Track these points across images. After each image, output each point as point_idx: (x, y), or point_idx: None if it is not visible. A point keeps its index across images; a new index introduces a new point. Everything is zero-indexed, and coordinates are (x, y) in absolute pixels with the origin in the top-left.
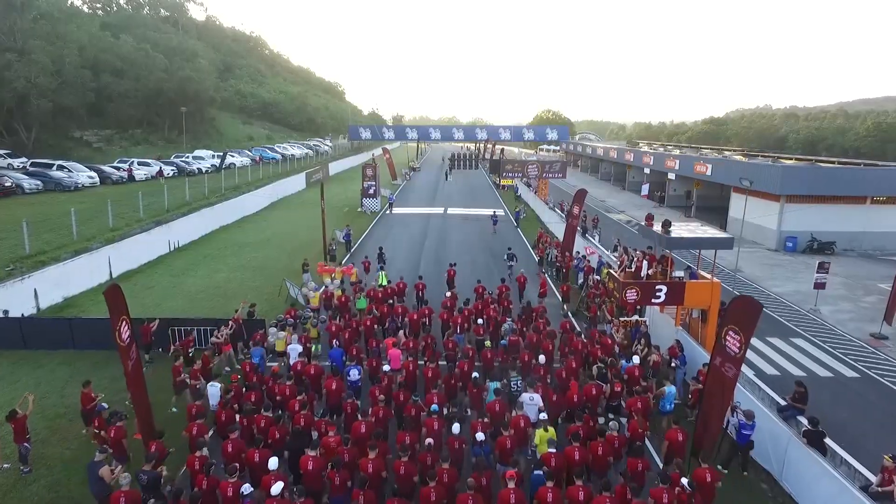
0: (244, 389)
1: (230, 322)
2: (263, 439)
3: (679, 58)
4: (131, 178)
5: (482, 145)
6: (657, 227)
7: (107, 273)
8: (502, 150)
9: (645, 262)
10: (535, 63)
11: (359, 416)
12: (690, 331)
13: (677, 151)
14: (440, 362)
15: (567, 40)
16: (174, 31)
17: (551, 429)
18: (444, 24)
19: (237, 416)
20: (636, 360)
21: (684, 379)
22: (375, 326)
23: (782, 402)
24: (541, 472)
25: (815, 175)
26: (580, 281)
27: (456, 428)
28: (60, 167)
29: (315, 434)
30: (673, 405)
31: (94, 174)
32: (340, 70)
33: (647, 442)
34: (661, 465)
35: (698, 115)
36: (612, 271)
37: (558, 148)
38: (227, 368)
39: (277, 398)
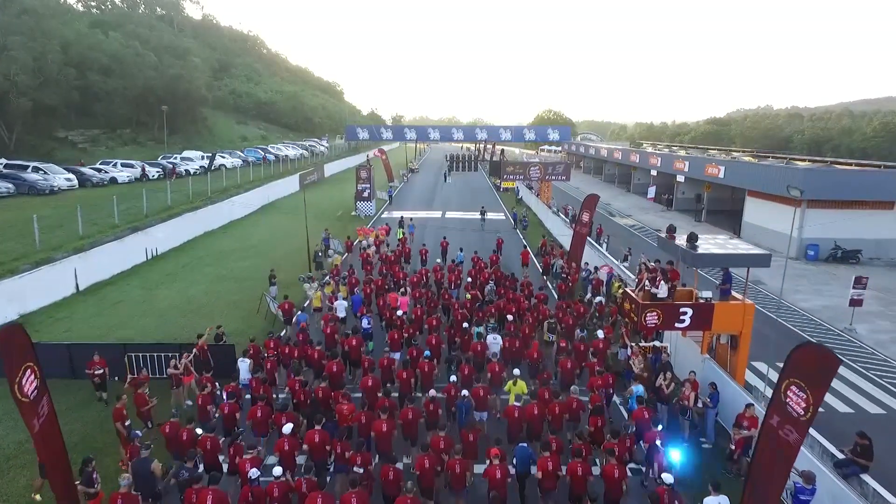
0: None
1: (193, 349)
2: (290, 401)
3: (678, 58)
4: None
5: (482, 146)
6: (681, 242)
7: (72, 286)
8: (502, 150)
9: (663, 285)
10: (535, 63)
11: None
12: (717, 358)
13: (683, 152)
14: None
15: (567, 40)
16: (169, 30)
17: (521, 382)
18: (443, 24)
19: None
20: (601, 333)
21: (717, 421)
22: (386, 286)
23: (839, 455)
24: (525, 445)
25: (838, 178)
26: (587, 296)
27: (453, 378)
28: (36, 169)
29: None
30: (636, 403)
31: (72, 176)
32: (339, 70)
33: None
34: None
35: (699, 115)
36: (628, 289)
37: (559, 149)
38: (189, 402)
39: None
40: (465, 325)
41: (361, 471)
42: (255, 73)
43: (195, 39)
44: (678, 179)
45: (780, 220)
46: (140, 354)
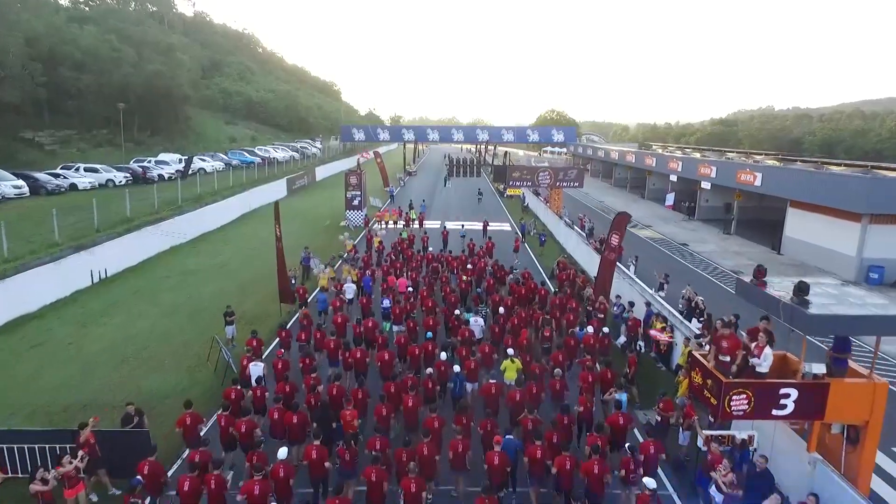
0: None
1: (79, 445)
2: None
3: (679, 58)
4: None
5: (482, 147)
6: (781, 292)
7: None
8: (506, 153)
9: (768, 352)
10: (535, 63)
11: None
12: (827, 455)
13: (698, 155)
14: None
15: (567, 40)
16: (156, 26)
17: (517, 360)
18: (443, 23)
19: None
20: (590, 329)
21: None
22: (392, 271)
23: None
24: (511, 437)
25: None
26: (621, 339)
27: (443, 355)
28: None
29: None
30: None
31: (21, 183)
32: (337, 70)
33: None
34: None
35: (700, 115)
36: (700, 355)
37: (563, 150)
38: None
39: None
40: (457, 311)
41: (380, 455)
42: (248, 71)
43: (186, 37)
44: (703, 186)
45: (832, 237)
46: (16, 446)
